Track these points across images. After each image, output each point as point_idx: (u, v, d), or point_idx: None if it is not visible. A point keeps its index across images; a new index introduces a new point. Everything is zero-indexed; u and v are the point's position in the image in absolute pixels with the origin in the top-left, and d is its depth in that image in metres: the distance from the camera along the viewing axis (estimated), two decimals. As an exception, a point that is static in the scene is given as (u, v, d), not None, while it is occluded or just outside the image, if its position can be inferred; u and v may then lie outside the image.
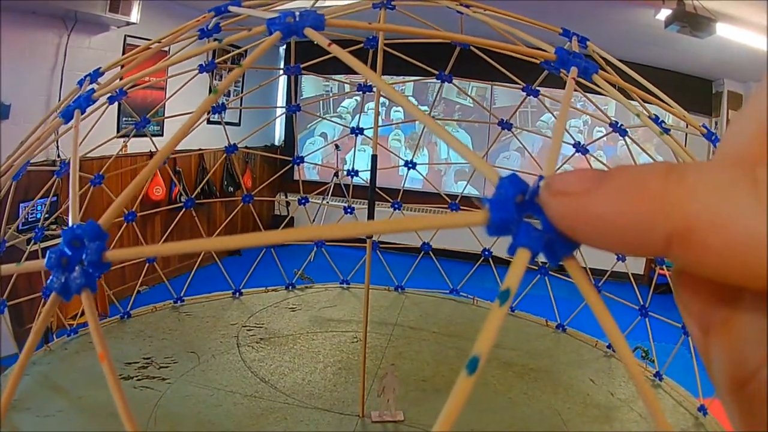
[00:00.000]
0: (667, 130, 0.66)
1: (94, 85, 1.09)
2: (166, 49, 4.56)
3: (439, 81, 2.31)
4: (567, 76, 0.52)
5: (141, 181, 0.32)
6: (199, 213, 4.69)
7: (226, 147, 2.44)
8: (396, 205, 2.62)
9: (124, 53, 4.27)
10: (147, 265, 2.36)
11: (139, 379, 1.81)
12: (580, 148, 2.30)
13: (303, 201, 2.50)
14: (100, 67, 1.80)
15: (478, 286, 2.49)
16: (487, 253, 2.46)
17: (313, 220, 4.17)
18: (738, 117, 0.23)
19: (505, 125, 2.40)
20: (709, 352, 0.23)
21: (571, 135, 2.47)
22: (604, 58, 0.96)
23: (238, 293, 2.39)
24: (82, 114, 0.82)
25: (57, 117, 0.80)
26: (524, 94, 2.23)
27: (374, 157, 1.69)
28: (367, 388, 1.69)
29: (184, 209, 2.39)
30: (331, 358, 1.95)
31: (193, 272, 2.35)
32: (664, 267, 2.55)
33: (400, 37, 2.11)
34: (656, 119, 1.89)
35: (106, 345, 0.34)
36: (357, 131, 2.44)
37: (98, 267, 0.34)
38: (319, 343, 2.05)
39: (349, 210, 2.55)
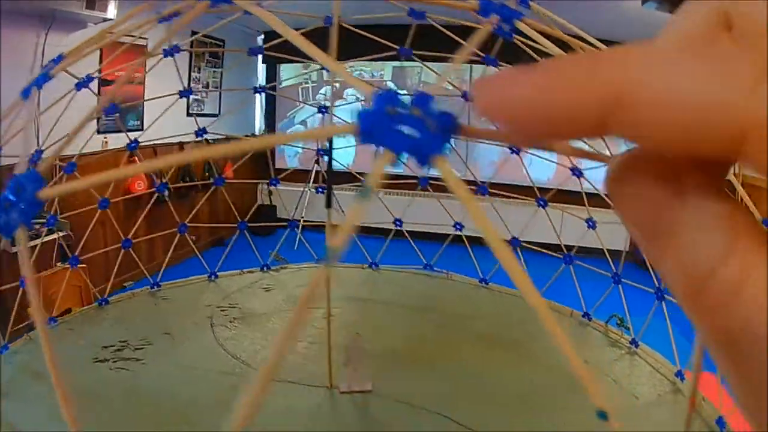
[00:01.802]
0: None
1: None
2: (145, 44, 4.56)
3: (402, 56, 2.31)
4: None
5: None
6: (182, 205, 4.71)
7: (196, 131, 2.45)
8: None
9: (101, 50, 4.25)
10: (130, 259, 2.37)
11: (114, 361, 1.84)
12: (576, 172, 2.29)
13: (274, 182, 2.53)
14: (62, 53, 1.82)
15: (452, 264, 2.52)
16: (458, 226, 2.48)
17: (296, 207, 4.19)
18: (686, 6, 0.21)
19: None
20: (659, 261, 0.21)
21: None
22: (554, 21, 0.93)
23: (213, 276, 2.42)
24: (39, 89, 0.84)
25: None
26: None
27: (330, 142, 1.71)
28: (338, 361, 1.72)
29: (164, 200, 2.43)
30: (302, 333, 1.97)
31: (166, 261, 2.38)
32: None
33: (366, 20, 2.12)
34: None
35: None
36: (323, 110, 2.47)
37: (33, 205, 0.37)
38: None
39: (320, 190, 2.59)
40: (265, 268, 2.50)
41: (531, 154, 2.80)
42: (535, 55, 1.33)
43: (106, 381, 1.74)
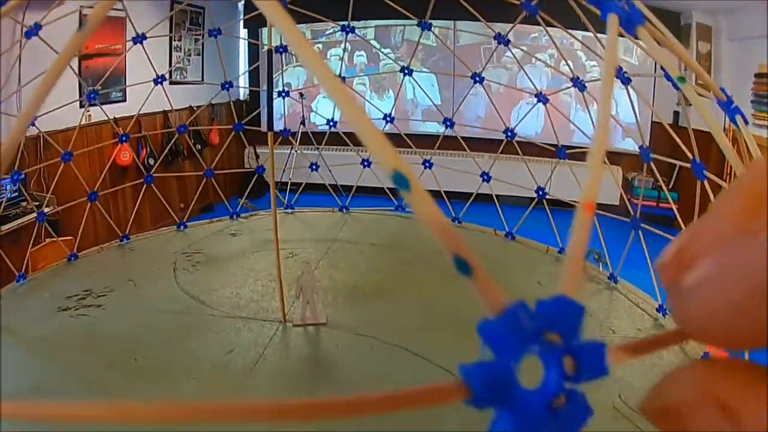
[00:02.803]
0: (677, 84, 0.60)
1: None
2: (123, 16, 4.51)
3: (420, 28, 2.27)
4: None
5: None
6: (169, 173, 4.69)
7: (178, 127, 2.47)
8: (365, 164, 2.61)
9: (80, 25, 4.19)
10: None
11: (76, 309, 1.82)
12: (541, 98, 2.25)
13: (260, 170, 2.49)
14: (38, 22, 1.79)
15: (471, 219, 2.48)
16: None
17: (284, 170, 4.14)
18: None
19: (478, 79, 2.36)
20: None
21: (531, 80, 2.42)
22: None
23: (183, 226, 2.38)
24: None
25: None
26: (488, 30, 2.20)
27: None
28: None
29: (151, 179, 2.41)
30: (263, 273, 1.94)
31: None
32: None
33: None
34: (620, 70, 1.83)
35: None
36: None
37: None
38: (254, 261, 2.04)
39: (314, 167, 2.59)
40: (234, 216, 2.46)
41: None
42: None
43: (67, 328, 1.72)
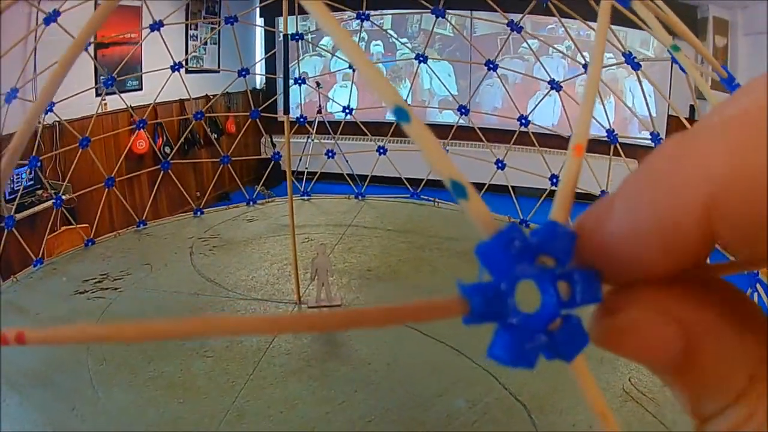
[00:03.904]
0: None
1: None
2: (139, 4, 4.53)
3: (433, 15, 2.28)
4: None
5: None
6: (186, 162, 4.73)
7: (194, 114, 2.49)
8: (381, 151, 2.62)
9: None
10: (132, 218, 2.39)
11: (93, 292, 1.85)
12: (555, 85, 2.24)
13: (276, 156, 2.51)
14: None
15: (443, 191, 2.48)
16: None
17: (300, 159, 4.16)
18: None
19: (492, 66, 2.36)
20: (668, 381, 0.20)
21: (546, 70, 2.41)
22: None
23: (199, 212, 2.40)
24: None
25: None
26: (504, 21, 2.20)
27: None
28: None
29: (168, 166, 2.44)
30: (279, 256, 1.96)
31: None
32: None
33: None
34: (629, 55, 1.83)
35: None
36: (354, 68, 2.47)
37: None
38: (270, 246, 2.06)
39: (331, 154, 2.59)
40: (251, 203, 2.48)
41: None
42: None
43: (83, 309, 1.75)
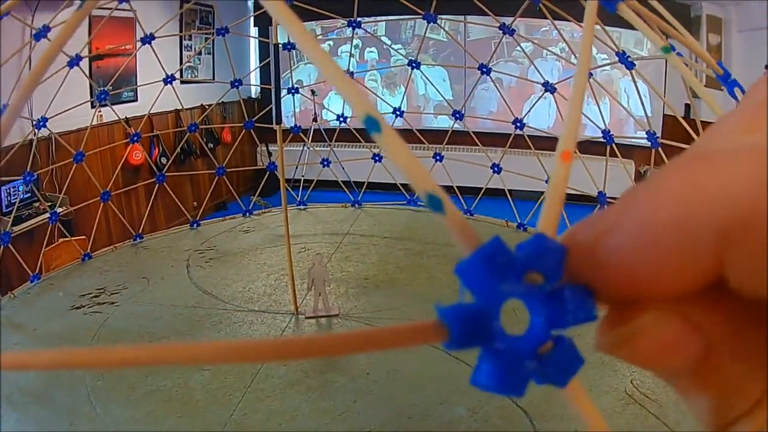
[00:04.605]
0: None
1: None
2: (133, 16, 4.53)
3: (425, 21, 2.28)
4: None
5: None
6: (181, 172, 4.71)
7: (189, 126, 2.53)
8: (376, 158, 2.62)
9: (90, 26, 4.22)
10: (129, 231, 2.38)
11: (90, 307, 1.84)
12: (549, 87, 2.24)
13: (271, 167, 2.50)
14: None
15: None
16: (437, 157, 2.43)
17: (296, 167, 4.15)
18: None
19: (485, 70, 2.36)
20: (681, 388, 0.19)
21: (540, 73, 2.42)
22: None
23: (195, 225, 2.39)
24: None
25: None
26: (498, 25, 2.20)
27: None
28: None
29: (163, 179, 2.44)
30: (275, 267, 1.95)
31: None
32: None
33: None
34: (623, 54, 1.83)
35: None
36: (347, 73, 2.44)
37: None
38: (267, 256, 2.05)
39: (326, 163, 2.59)
40: (247, 214, 2.47)
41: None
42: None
43: (79, 324, 1.75)
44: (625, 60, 1.83)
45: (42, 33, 1.90)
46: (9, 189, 3.80)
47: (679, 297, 0.17)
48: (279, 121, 1.60)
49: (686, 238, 0.16)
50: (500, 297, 0.19)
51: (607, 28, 1.95)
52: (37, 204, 3.94)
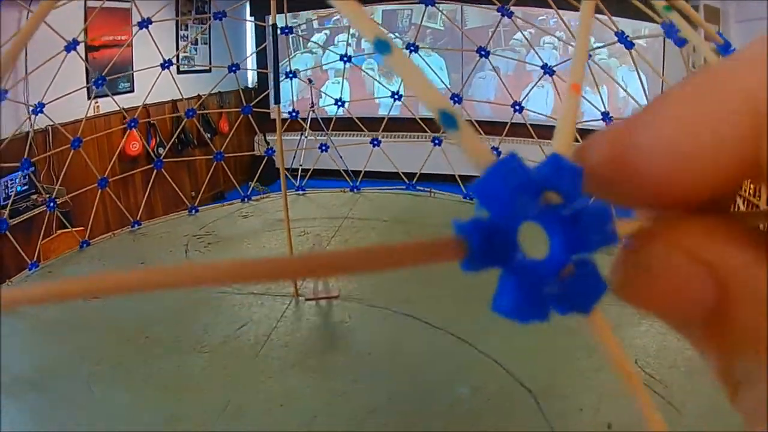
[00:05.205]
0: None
1: None
2: (128, 7, 4.49)
3: (422, 5, 2.27)
4: None
5: None
6: (180, 162, 4.70)
7: (186, 111, 2.50)
8: (375, 142, 2.60)
9: (86, 16, 4.20)
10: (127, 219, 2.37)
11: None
12: (548, 69, 2.22)
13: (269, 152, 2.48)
14: None
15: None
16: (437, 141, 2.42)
17: (294, 155, 4.13)
18: None
19: (484, 53, 2.34)
20: (697, 340, 0.17)
21: (539, 55, 2.40)
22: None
23: (194, 210, 2.38)
24: None
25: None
26: (495, 14, 2.18)
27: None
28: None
29: (161, 165, 2.42)
30: (275, 251, 1.94)
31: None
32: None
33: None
34: (622, 34, 1.82)
35: None
36: (345, 59, 2.46)
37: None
38: (266, 240, 2.04)
39: (324, 147, 2.57)
40: (245, 200, 2.45)
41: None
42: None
43: (79, 310, 1.73)
44: (624, 39, 1.82)
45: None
46: (6, 182, 3.79)
47: (710, 209, 0.16)
48: (278, 101, 1.58)
49: (722, 123, 0.15)
50: (519, 214, 0.17)
51: (604, 16, 1.94)
52: (34, 196, 3.93)
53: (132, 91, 4.52)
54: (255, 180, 2.49)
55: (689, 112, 0.16)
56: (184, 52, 5.24)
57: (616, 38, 1.85)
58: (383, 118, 2.63)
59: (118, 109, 2.45)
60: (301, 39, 5.50)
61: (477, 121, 2.61)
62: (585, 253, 0.18)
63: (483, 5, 2.24)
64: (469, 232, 0.17)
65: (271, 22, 1.83)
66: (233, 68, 2.46)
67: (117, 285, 0.17)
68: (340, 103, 2.66)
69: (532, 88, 2.40)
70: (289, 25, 2.56)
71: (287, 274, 0.20)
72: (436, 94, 0.19)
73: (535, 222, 0.17)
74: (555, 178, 0.18)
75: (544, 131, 2.47)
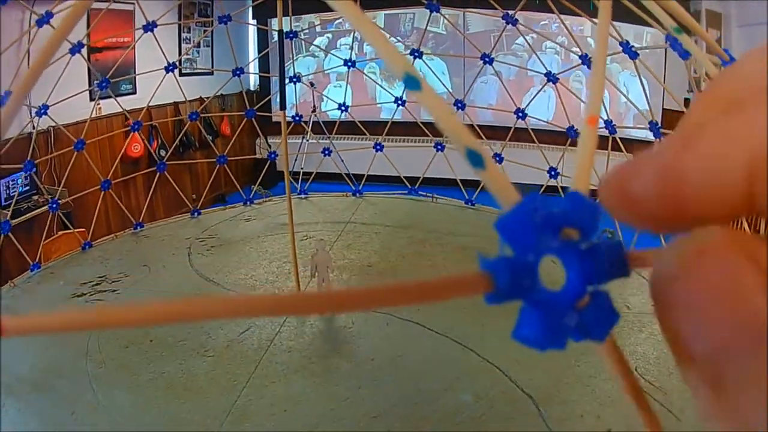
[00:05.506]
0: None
1: None
2: (131, 9, 4.50)
3: (425, 9, 2.28)
4: None
5: None
6: (181, 165, 4.70)
7: (189, 114, 2.51)
8: (378, 147, 2.61)
9: (89, 19, 4.20)
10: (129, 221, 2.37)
11: (91, 295, 1.83)
12: (552, 77, 2.23)
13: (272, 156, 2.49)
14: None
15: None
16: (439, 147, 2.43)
17: (296, 159, 4.14)
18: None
19: (488, 60, 2.35)
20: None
21: (542, 63, 2.41)
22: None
23: (196, 213, 2.39)
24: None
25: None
26: (497, 18, 2.19)
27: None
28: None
29: (164, 167, 2.43)
30: (277, 254, 1.95)
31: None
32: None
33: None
34: (626, 44, 1.83)
35: None
36: (349, 64, 2.47)
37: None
38: (269, 244, 2.04)
39: (327, 152, 2.59)
40: (247, 203, 2.46)
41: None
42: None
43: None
44: (628, 50, 1.83)
45: (45, 19, 1.89)
46: (8, 182, 3.80)
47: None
48: (284, 107, 1.59)
49: (727, 171, 0.16)
50: (540, 250, 0.19)
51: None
52: (36, 197, 3.94)
53: (134, 92, 4.53)
54: (257, 183, 2.49)
55: (714, 152, 0.16)
56: (187, 54, 5.25)
57: (620, 48, 1.86)
58: (385, 122, 2.64)
59: (120, 110, 2.46)
60: (303, 42, 5.53)
61: (478, 125, 2.62)
62: (600, 285, 0.19)
63: (486, 11, 2.24)
64: (496, 269, 0.19)
65: (276, 29, 1.84)
66: (237, 72, 2.47)
67: (134, 318, 0.18)
68: (343, 108, 2.67)
69: (536, 95, 2.41)
70: (293, 28, 2.58)
71: (319, 309, 0.21)
72: (465, 132, 0.21)
73: (554, 255, 0.19)
74: (575, 216, 0.19)
75: (546, 136, 2.49)
